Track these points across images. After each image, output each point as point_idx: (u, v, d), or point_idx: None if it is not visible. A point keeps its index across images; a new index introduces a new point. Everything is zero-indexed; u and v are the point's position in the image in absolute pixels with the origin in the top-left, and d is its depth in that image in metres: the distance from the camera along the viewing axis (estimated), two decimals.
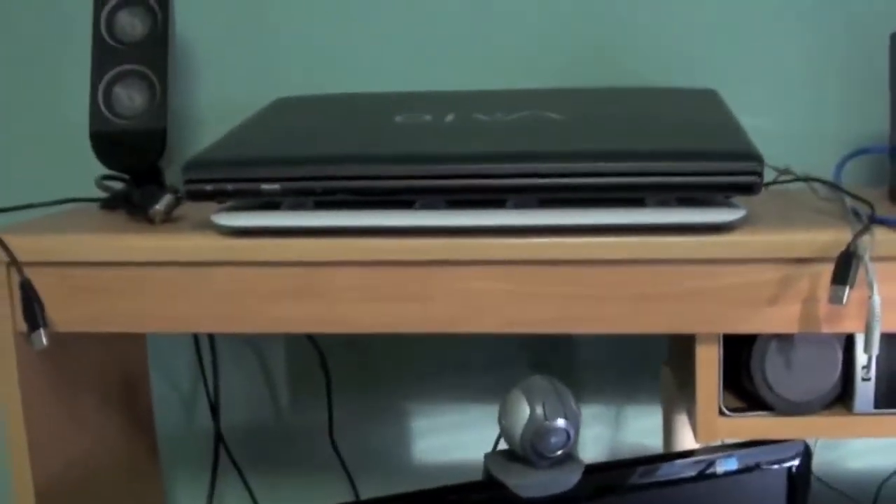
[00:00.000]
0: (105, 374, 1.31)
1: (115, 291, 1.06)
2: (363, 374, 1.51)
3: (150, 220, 1.11)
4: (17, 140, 1.50)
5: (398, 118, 1.13)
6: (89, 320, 1.07)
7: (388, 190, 1.00)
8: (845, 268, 0.95)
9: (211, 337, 1.48)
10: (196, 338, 1.48)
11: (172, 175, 1.30)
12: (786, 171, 1.21)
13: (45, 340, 1.05)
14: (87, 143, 1.26)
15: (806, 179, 1.18)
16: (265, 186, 1.00)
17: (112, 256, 1.05)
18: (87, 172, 1.26)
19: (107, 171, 1.27)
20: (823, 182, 1.15)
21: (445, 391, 1.51)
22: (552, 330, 1.02)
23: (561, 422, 1.04)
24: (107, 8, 1.27)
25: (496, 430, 1.10)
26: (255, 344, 1.52)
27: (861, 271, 0.95)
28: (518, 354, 1.48)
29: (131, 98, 1.25)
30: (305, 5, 1.42)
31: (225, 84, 1.45)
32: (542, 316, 1.02)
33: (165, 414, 1.53)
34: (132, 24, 1.26)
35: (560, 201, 1.00)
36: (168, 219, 1.12)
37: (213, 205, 1.05)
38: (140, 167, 1.26)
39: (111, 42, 1.26)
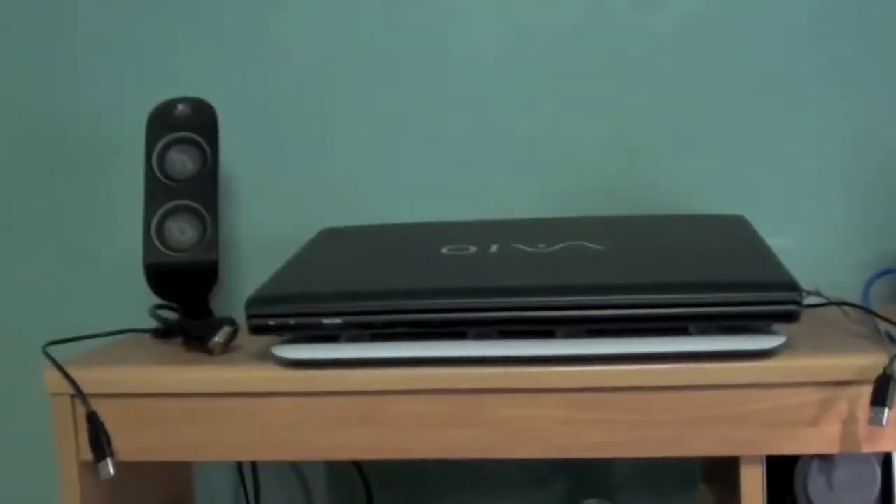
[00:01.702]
0: (156, 498, 1.33)
1: (177, 421, 1.09)
2: (405, 495, 1.52)
3: (209, 351, 1.15)
4: (70, 271, 1.54)
5: (444, 250, 1.17)
6: (152, 449, 1.10)
7: (443, 322, 1.04)
8: (884, 390, 0.98)
9: (254, 461, 1.50)
10: (239, 461, 1.50)
11: (217, 303, 1.35)
12: (816, 294, 1.25)
13: (112, 470, 1.08)
14: (139, 274, 1.29)
15: (838, 304, 1.22)
16: (326, 321, 1.05)
17: (175, 388, 1.09)
18: (137, 302, 1.31)
19: (157, 301, 1.31)
20: (855, 306, 1.19)
21: None
22: (601, 455, 1.05)
23: None
24: (158, 146, 1.31)
25: None
26: (296, 466, 1.54)
27: None
28: (559, 471, 1.50)
29: (183, 232, 1.29)
30: (342, 137, 1.47)
31: (265, 214, 1.49)
32: (591, 441, 1.05)
33: None
34: (183, 162, 1.31)
35: (607, 331, 1.04)
36: (226, 350, 1.16)
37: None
38: (192, 298, 1.30)
39: (162, 178, 1.30)
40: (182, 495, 1.43)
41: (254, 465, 1.49)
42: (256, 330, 1.07)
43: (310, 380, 1.06)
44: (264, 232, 1.49)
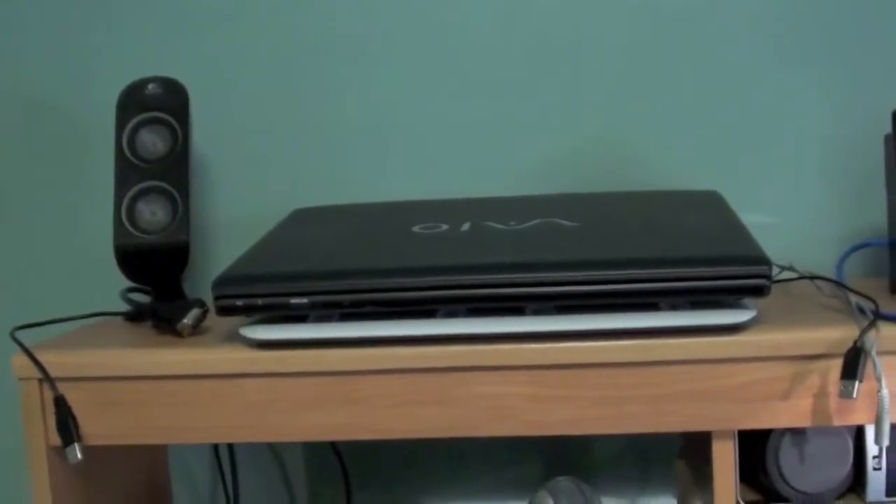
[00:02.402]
0: (130, 483, 1.33)
1: (147, 404, 1.09)
2: (383, 474, 1.52)
3: (178, 334, 1.14)
4: (40, 255, 1.53)
5: (416, 228, 1.17)
6: (121, 433, 1.10)
7: (412, 301, 1.04)
8: (854, 363, 0.98)
9: (230, 443, 1.49)
10: (215, 444, 1.49)
11: (190, 285, 1.34)
12: (790, 268, 1.25)
13: (79, 455, 1.07)
14: (109, 257, 1.28)
15: (810, 277, 1.22)
16: (294, 301, 1.04)
17: (144, 371, 1.08)
18: (107, 285, 1.30)
19: (129, 284, 1.30)
20: (827, 280, 1.19)
21: (465, 488, 1.52)
22: (571, 432, 1.05)
23: None
24: (129, 127, 1.30)
25: None
26: (273, 448, 1.54)
27: (869, 366, 0.99)
28: (536, 449, 1.50)
29: (154, 213, 1.28)
30: (316, 117, 1.47)
31: (237, 195, 1.49)
32: (562, 418, 1.04)
33: None
34: (153, 142, 1.30)
35: (577, 307, 1.04)
36: (195, 332, 1.15)
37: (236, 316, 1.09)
38: (163, 280, 1.29)
39: (133, 159, 1.30)
40: (157, 479, 1.42)
41: (230, 447, 1.48)
42: (223, 311, 1.06)
43: (279, 360, 1.06)
44: (238, 213, 1.48)
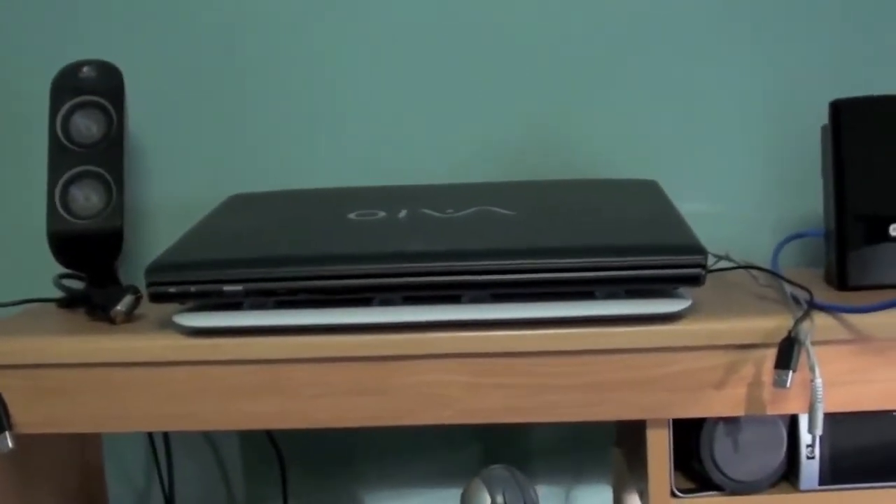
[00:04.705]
0: (63, 471, 1.31)
1: (79, 392, 1.07)
2: (319, 463, 1.52)
3: (111, 321, 1.13)
4: None
5: (352, 215, 1.16)
6: (53, 422, 1.08)
7: (347, 288, 1.03)
8: (788, 353, 0.99)
9: (165, 431, 1.48)
10: (150, 432, 1.48)
11: (126, 271, 1.32)
12: (726, 258, 1.25)
13: (10, 443, 1.05)
14: (43, 243, 1.27)
15: (746, 267, 1.22)
16: (227, 288, 1.03)
17: (76, 358, 1.06)
18: (41, 271, 1.28)
19: (63, 270, 1.28)
20: (763, 269, 1.19)
21: (402, 476, 1.52)
22: (507, 420, 1.05)
23: None
24: (63, 110, 1.28)
25: None
26: (209, 436, 1.53)
27: (803, 356, 0.99)
28: (472, 437, 1.50)
29: (88, 198, 1.27)
30: (254, 102, 1.45)
31: (175, 181, 1.47)
32: (497, 406, 1.04)
33: None
34: (87, 126, 1.28)
35: (513, 295, 1.03)
36: (128, 319, 1.13)
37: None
38: (97, 266, 1.27)
39: (67, 143, 1.28)
40: (91, 467, 1.40)
41: (165, 435, 1.47)
42: (156, 298, 1.05)
43: (212, 348, 1.04)
44: (175, 199, 1.47)
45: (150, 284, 1.05)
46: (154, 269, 1.05)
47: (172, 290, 1.04)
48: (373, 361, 1.04)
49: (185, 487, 1.52)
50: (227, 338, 1.04)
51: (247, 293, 1.03)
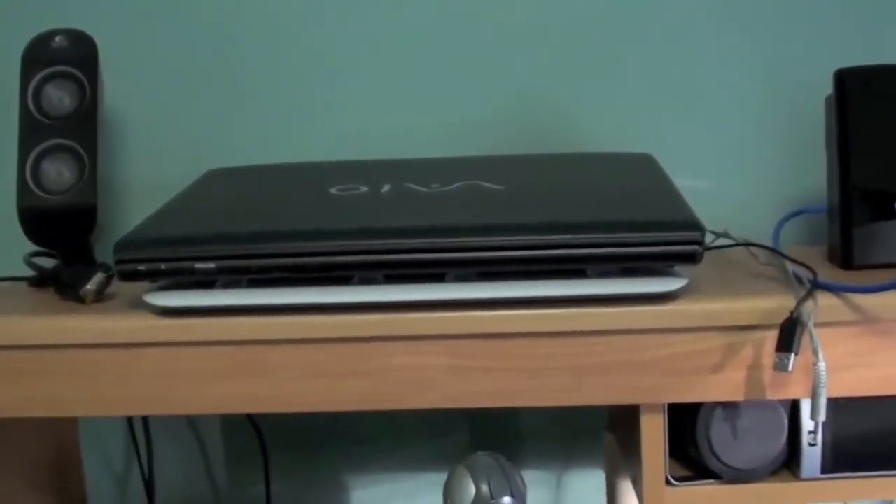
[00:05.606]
0: (37, 455, 1.28)
1: (48, 374, 1.03)
2: (301, 446, 1.49)
3: (81, 300, 1.09)
4: None
5: (333, 190, 1.12)
6: (22, 404, 1.04)
7: (325, 266, 0.98)
8: (790, 335, 0.95)
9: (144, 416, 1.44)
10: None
11: (102, 250, 1.28)
12: (725, 235, 1.22)
13: None
14: (14, 219, 1.23)
15: (745, 244, 1.19)
16: (199, 265, 0.98)
17: (44, 339, 1.02)
18: (12, 249, 1.24)
19: (35, 248, 1.24)
20: (763, 247, 1.15)
21: (386, 461, 1.50)
22: (494, 404, 1.01)
23: (507, 500, 1.03)
24: (34, 82, 1.24)
25: (440, 499, 1.09)
26: (189, 418, 1.50)
27: (805, 338, 0.95)
28: (459, 421, 1.48)
29: (60, 173, 1.23)
30: (236, 76, 1.42)
31: (154, 156, 1.44)
32: (484, 389, 1.01)
33: (99, 493, 1.49)
34: (60, 98, 1.24)
35: (500, 274, 0.99)
36: (99, 298, 1.09)
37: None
38: (69, 243, 1.23)
39: (39, 116, 1.24)
40: (68, 452, 1.38)
41: (144, 418, 1.44)
42: (125, 276, 1.00)
43: (185, 329, 1.01)
44: (153, 174, 1.43)
45: (118, 262, 1.00)
46: (123, 245, 1.01)
47: (142, 267, 0.99)
48: (353, 343, 1.00)
49: (165, 469, 1.49)
50: (201, 318, 1.00)
51: (220, 270, 0.99)
